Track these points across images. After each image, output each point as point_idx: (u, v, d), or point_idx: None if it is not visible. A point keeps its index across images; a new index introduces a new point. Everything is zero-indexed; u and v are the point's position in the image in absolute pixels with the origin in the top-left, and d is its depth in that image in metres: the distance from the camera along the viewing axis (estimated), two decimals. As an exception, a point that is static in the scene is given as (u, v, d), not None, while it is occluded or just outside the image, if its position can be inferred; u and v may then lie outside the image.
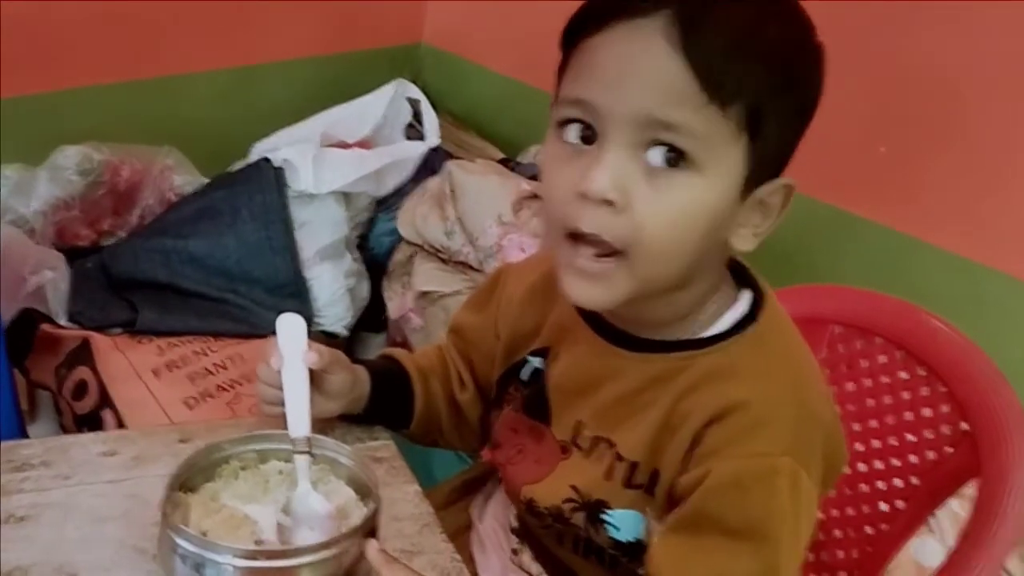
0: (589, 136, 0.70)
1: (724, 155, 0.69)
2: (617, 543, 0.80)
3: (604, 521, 0.79)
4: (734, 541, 0.71)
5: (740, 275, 0.81)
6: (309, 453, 0.83)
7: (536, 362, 0.88)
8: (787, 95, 0.70)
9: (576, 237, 0.71)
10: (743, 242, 0.74)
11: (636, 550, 0.80)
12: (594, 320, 0.82)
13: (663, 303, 0.76)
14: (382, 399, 0.94)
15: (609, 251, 0.71)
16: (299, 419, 0.83)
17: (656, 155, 0.68)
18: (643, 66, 0.67)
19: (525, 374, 0.89)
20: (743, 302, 0.78)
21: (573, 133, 0.71)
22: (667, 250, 0.70)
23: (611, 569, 0.83)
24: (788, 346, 0.78)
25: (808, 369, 0.78)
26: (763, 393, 0.73)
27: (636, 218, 0.69)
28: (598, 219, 0.69)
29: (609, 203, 0.68)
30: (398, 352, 1.00)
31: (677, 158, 0.68)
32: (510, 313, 0.92)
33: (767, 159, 0.71)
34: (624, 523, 0.79)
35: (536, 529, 0.88)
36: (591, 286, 0.73)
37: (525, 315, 0.91)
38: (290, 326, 0.88)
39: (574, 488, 0.81)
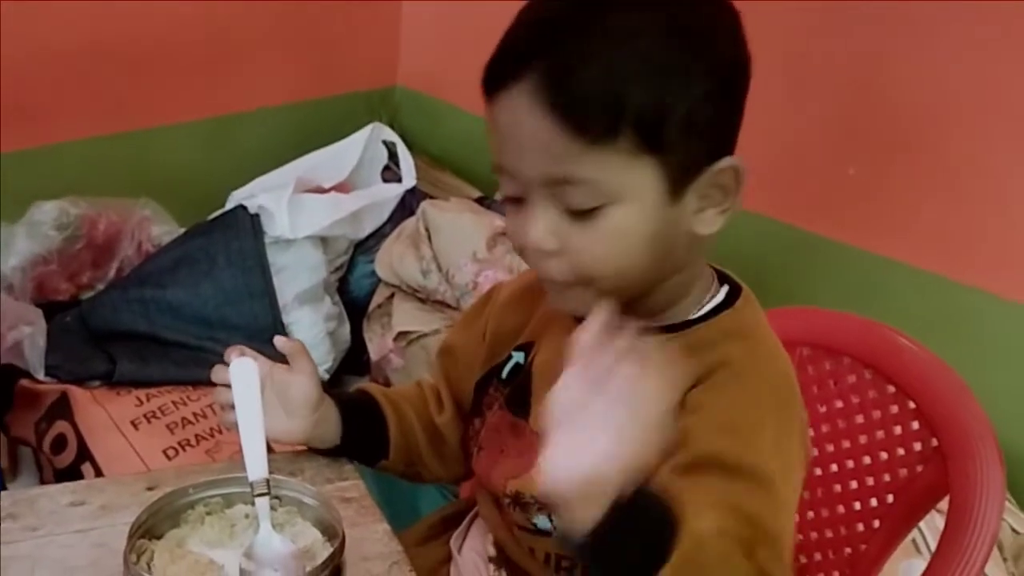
0: (519, 194, 0.74)
1: (633, 180, 0.70)
2: None
3: None
4: (731, 478, 0.71)
5: (723, 277, 0.84)
6: (268, 494, 0.82)
7: (518, 357, 0.89)
8: (683, 94, 0.69)
9: None
10: (708, 225, 0.75)
11: None
12: None
13: (646, 295, 0.78)
14: (353, 429, 0.94)
15: (571, 280, 0.75)
16: (256, 461, 0.83)
17: (572, 202, 0.71)
18: (524, 132, 0.70)
19: (506, 371, 0.90)
20: (722, 294, 0.82)
21: (505, 192, 0.76)
22: (617, 273, 0.74)
23: None
24: (765, 328, 0.82)
25: (783, 354, 0.82)
26: (747, 354, 0.76)
27: (577, 257, 0.73)
28: (545, 264, 0.75)
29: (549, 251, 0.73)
30: (367, 384, 1.00)
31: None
32: (496, 315, 0.94)
33: (688, 158, 0.71)
34: None
35: (518, 540, 0.88)
36: (567, 300, 0.78)
37: (511, 315, 0.93)
38: (243, 371, 0.88)
39: None
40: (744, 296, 0.82)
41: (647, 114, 0.68)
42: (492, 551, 0.93)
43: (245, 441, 0.83)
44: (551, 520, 0.84)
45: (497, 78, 0.72)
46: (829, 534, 1.13)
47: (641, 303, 0.79)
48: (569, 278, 0.75)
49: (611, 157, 0.69)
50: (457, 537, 1.00)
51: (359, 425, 0.95)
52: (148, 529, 0.82)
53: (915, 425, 1.05)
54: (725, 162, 0.73)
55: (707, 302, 0.81)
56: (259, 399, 0.84)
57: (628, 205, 0.71)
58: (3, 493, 0.92)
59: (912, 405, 1.06)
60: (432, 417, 0.98)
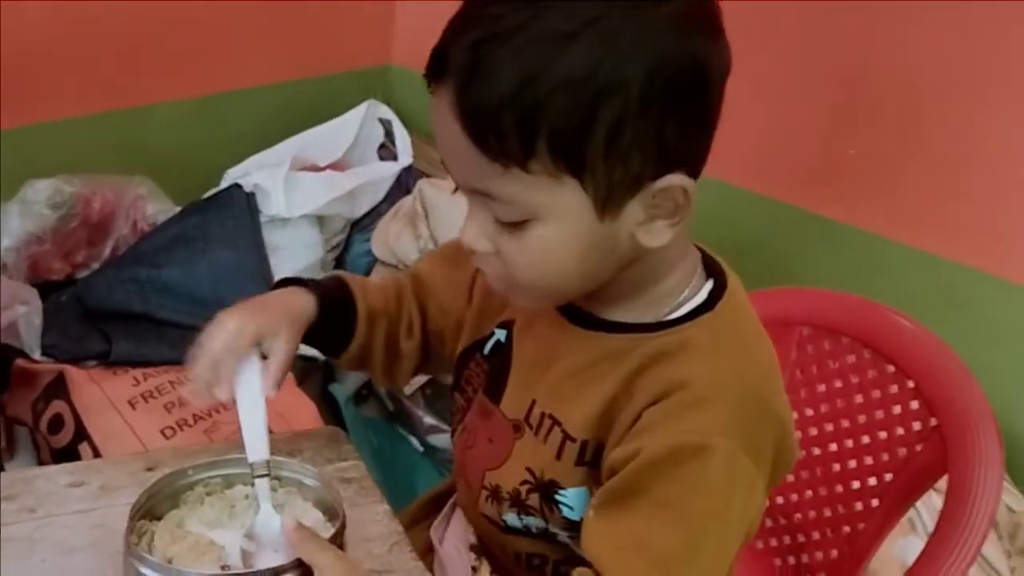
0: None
1: (554, 200, 0.67)
2: (572, 523, 0.79)
3: (558, 501, 0.79)
4: (658, 513, 0.70)
5: (711, 267, 0.80)
6: (268, 475, 0.82)
7: (500, 335, 0.87)
8: (607, 110, 0.63)
9: None
10: (656, 237, 0.70)
11: None
12: None
13: (603, 290, 0.75)
14: (321, 330, 0.90)
15: (504, 285, 0.75)
16: (257, 442, 0.83)
17: (498, 214, 0.69)
18: (446, 143, 0.68)
19: (488, 348, 0.88)
20: (704, 292, 0.77)
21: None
22: (548, 282, 0.72)
23: None
24: (743, 335, 0.77)
25: (763, 360, 0.77)
26: (707, 374, 0.71)
27: (507, 264, 0.72)
28: (482, 264, 0.75)
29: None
30: (357, 284, 0.94)
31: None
32: (483, 287, 0.90)
33: (618, 177, 0.66)
34: (577, 502, 0.78)
35: (491, 534, 0.87)
36: (511, 297, 0.79)
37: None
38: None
39: (529, 470, 0.80)
40: (727, 295, 0.77)
41: (563, 134, 0.64)
42: (473, 538, 0.92)
43: (244, 423, 0.83)
44: (520, 518, 0.83)
45: (427, 76, 0.68)
46: (828, 513, 1.14)
47: (597, 296, 0.76)
48: (502, 283, 0.75)
49: (528, 178, 0.65)
50: (439, 523, 0.99)
51: (328, 330, 0.90)
52: (148, 510, 0.82)
53: (914, 404, 1.05)
54: (669, 180, 0.67)
55: (685, 300, 0.76)
56: (259, 381, 0.84)
57: (552, 223, 0.68)
58: (1, 474, 0.92)
59: (911, 384, 1.06)
60: (399, 340, 0.95)
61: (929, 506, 1.32)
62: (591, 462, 0.77)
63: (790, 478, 1.15)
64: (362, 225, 2.03)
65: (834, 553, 1.12)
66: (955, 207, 1.51)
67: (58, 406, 1.58)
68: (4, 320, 1.62)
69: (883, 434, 1.08)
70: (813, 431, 1.15)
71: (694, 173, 0.69)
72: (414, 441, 1.89)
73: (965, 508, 0.94)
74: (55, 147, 1.92)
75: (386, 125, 2.14)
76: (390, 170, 2.05)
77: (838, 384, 1.13)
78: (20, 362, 1.63)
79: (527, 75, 0.63)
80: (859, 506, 1.10)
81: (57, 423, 1.57)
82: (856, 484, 1.10)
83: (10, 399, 1.65)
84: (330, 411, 1.78)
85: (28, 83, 1.83)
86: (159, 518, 0.83)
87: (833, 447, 1.14)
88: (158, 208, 1.94)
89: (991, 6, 1.40)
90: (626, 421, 0.74)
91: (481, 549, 0.91)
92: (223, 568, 0.77)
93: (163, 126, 2.07)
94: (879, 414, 1.09)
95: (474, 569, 0.91)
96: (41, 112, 1.88)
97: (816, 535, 1.15)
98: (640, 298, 0.76)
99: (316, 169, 2.02)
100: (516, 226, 0.69)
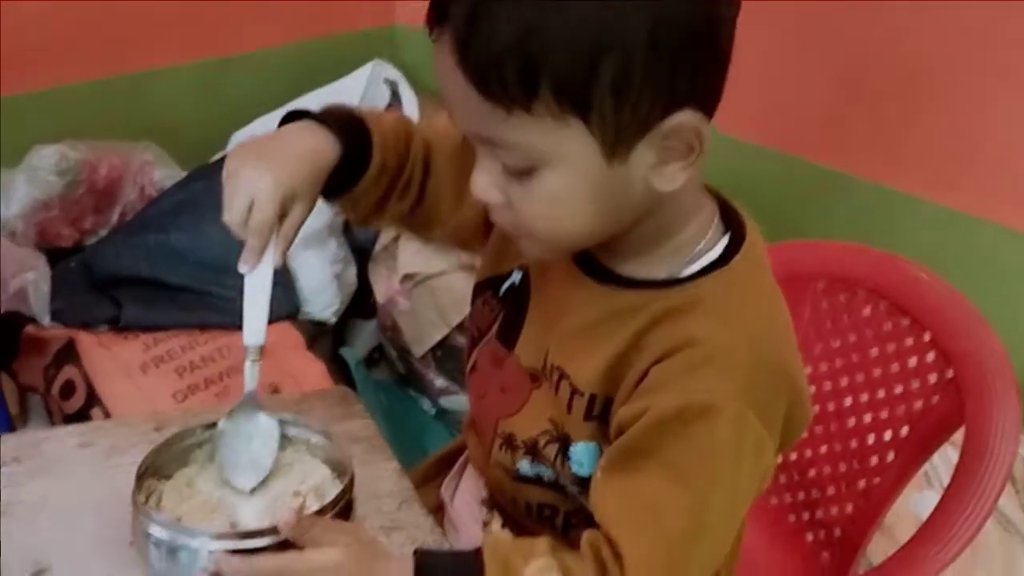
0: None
1: (561, 144, 0.65)
2: (580, 479, 0.78)
3: (569, 456, 0.78)
4: (667, 475, 0.69)
5: (730, 220, 0.77)
6: (259, 361, 0.80)
7: (516, 277, 0.86)
8: (613, 51, 0.62)
9: None
10: (669, 181, 0.68)
11: None
12: None
13: (617, 241, 0.74)
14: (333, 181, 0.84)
15: (516, 234, 0.74)
16: (256, 327, 0.80)
17: (506, 162, 0.68)
18: (450, 91, 0.66)
19: (503, 289, 0.86)
20: (720, 247, 0.75)
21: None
22: (559, 231, 0.71)
23: (564, 534, 0.82)
24: (758, 293, 0.75)
25: (777, 319, 0.75)
26: (717, 332, 0.70)
27: (518, 213, 0.70)
28: (494, 215, 0.73)
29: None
30: (377, 139, 0.85)
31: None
32: None
33: (625, 118, 0.64)
34: (586, 457, 0.77)
35: (502, 485, 0.87)
36: (523, 248, 0.76)
37: None
38: None
39: (551, 421, 0.79)
40: (744, 250, 0.74)
41: (567, 77, 0.62)
42: (484, 493, 0.92)
43: (249, 300, 0.80)
44: (532, 466, 0.82)
45: (429, 24, 0.66)
46: (843, 468, 1.13)
47: (612, 248, 0.75)
48: (514, 231, 0.73)
49: (533, 122, 0.64)
50: (450, 480, 0.99)
51: (336, 175, 0.83)
52: (157, 469, 0.82)
53: (930, 357, 1.04)
54: (680, 118, 0.65)
55: (700, 254, 0.74)
56: (271, 273, 0.80)
57: (560, 169, 0.66)
58: (12, 436, 0.92)
59: (927, 337, 1.04)
60: (391, 199, 0.89)
61: (945, 460, 1.30)
62: (600, 416, 0.76)
63: (804, 434, 1.14)
64: (370, 188, 2.01)
65: (849, 508, 1.12)
66: (972, 160, 1.49)
67: (69, 372, 1.58)
68: (12, 287, 1.62)
69: (899, 387, 1.07)
70: (827, 386, 1.14)
71: (708, 111, 0.67)
72: (425, 403, 1.89)
73: (982, 460, 0.93)
74: (59, 114, 1.90)
75: (392, 86, 2.11)
76: (397, 132, 2.03)
77: (853, 338, 1.12)
78: (30, 329, 1.64)
79: (528, 17, 0.61)
80: (874, 461, 1.09)
81: (69, 388, 1.57)
82: (871, 438, 1.09)
83: (22, 366, 1.65)
84: (341, 374, 1.77)
85: (30, 49, 1.81)
86: (168, 477, 0.82)
87: (848, 402, 1.12)
88: (165, 173, 1.92)
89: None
90: (634, 377, 0.73)
91: (492, 503, 0.90)
92: (232, 526, 0.77)
93: (167, 91, 2.05)
94: (895, 367, 1.07)
95: (485, 523, 0.90)
96: (44, 79, 1.86)
97: (831, 490, 1.14)
98: (654, 251, 0.75)
99: (323, 131, 1.99)
100: (525, 174, 0.67)
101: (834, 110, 1.65)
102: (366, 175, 0.85)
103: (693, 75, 0.65)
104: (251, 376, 0.80)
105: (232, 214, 0.76)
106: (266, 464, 0.82)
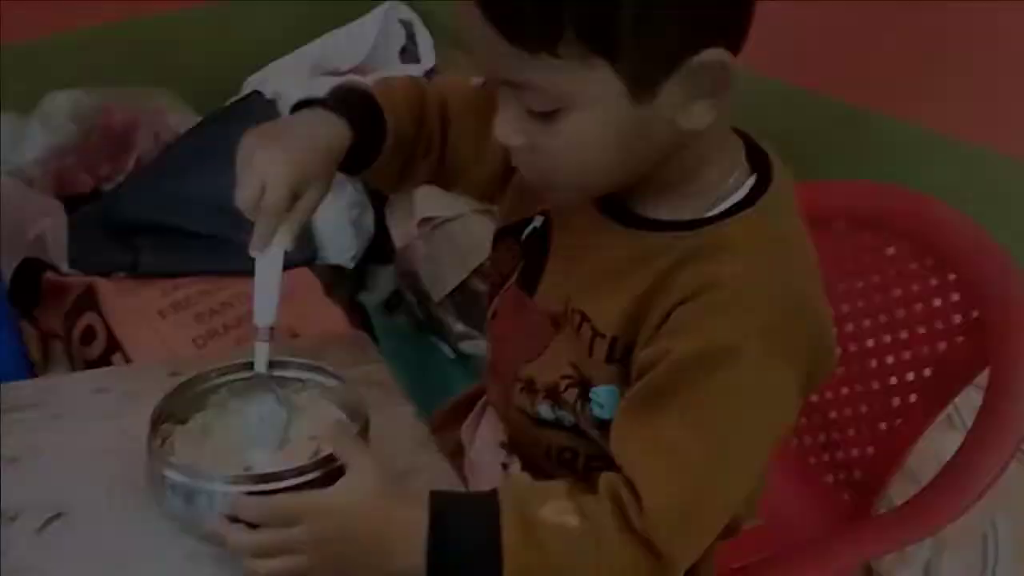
0: (493, 85, 0.70)
1: (586, 85, 0.64)
2: (600, 422, 0.77)
3: (589, 399, 0.78)
4: (688, 417, 0.68)
5: (756, 160, 0.76)
6: (268, 343, 0.81)
7: (537, 222, 0.85)
8: None
9: None
10: (697, 119, 0.67)
11: None
12: None
13: (644, 183, 0.73)
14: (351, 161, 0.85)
15: (539, 181, 0.74)
16: (266, 307, 0.81)
17: (531, 104, 0.67)
18: (475, 33, 0.65)
19: (524, 234, 0.86)
20: (747, 187, 0.74)
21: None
22: (585, 174, 0.70)
23: (584, 478, 0.81)
24: (784, 233, 0.74)
25: (802, 261, 0.74)
26: (742, 274, 0.69)
27: (543, 157, 0.70)
28: (517, 160, 0.73)
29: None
30: (391, 118, 0.86)
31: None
32: None
33: (651, 55, 0.64)
34: (607, 400, 0.77)
35: (522, 429, 0.86)
36: (547, 196, 0.78)
37: None
38: None
39: (573, 365, 0.79)
40: (771, 191, 0.73)
41: (589, 17, 0.62)
42: (504, 436, 0.92)
43: (259, 281, 0.81)
44: (553, 410, 0.82)
45: None
46: (864, 409, 1.12)
47: (637, 190, 0.74)
48: (539, 179, 0.73)
49: (557, 63, 0.63)
50: (469, 424, 0.98)
51: (354, 158, 0.85)
52: (172, 414, 0.81)
53: (955, 297, 1.02)
54: (706, 55, 0.64)
55: (726, 195, 0.73)
56: (281, 255, 0.80)
57: (586, 110, 0.66)
58: (25, 382, 0.92)
59: (952, 276, 1.02)
60: (416, 161, 0.90)
61: (968, 403, 1.29)
62: (621, 359, 0.75)
63: (830, 375, 1.14)
64: (387, 131, 1.99)
65: (870, 450, 1.11)
66: (1003, 98, 1.44)
67: (89, 318, 1.59)
68: (31, 234, 1.63)
69: (922, 328, 1.05)
70: (850, 327, 1.12)
71: (734, 47, 0.66)
72: (445, 349, 1.88)
73: (1007, 401, 0.92)
74: (71, 60, 1.89)
75: (407, 26, 2.08)
76: (412, 72, 2.00)
77: (876, 278, 1.10)
78: (49, 275, 1.64)
79: None
80: (896, 402, 1.08)
81: (89, 334, 1.58)
82: (894, 380, 1.08)
83: (42, 313, 1.66)
84: (360, 320, 1.77)
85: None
86: (184, 422, 0.82)
87: (871, 343, 1.11)
88: (180, 119, 1.91)
89: None
90: (656, 319, 0.72)
91: (512, 446, 0.90)
92: (246, 470, 0.77)
93: (180, 35, 2.04)
94: (918, 307, 1.06)
95: (504, 466, 0.90)
96: (55, 23, 1.85)
97: (852, 432, 1.13)
98: (679, 193, 0.74)
99: (338, 73, 1.97)
100: (549, 116, 0.67)
101: (863, 49, 1.61)
102: (382, 153, 0.86)
103: (718, 9, 0.64)
104: (261, 357, 0.80)
105: (244, 197, 0.77)
106: (273, 445, 0.81)
